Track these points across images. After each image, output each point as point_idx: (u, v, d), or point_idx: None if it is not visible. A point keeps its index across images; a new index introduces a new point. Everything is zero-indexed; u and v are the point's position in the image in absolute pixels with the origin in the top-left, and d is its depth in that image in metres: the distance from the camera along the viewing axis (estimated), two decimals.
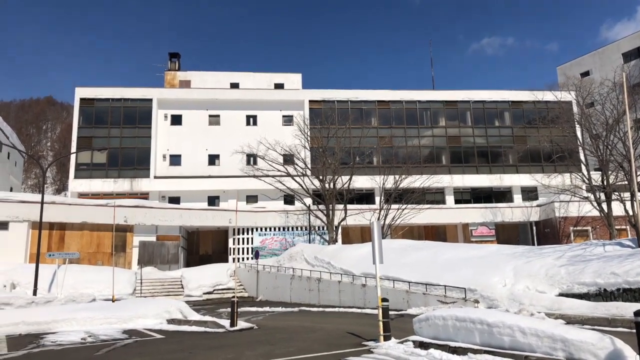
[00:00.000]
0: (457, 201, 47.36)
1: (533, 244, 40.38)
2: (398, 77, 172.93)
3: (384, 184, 39.59)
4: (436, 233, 45.49)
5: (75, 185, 42.62)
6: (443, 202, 46.91)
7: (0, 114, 46.50)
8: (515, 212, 43.54)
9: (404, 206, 39.23)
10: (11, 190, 44.31)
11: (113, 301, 23.09)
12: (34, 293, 24.64)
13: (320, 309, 22.74)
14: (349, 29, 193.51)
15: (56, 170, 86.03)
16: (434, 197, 46.44)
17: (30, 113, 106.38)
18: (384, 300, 11.52)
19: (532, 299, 16.77)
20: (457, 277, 19.86)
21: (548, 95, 42.42)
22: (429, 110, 49.52)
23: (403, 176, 39.79)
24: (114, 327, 16.49)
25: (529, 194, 47.52)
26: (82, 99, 44.70)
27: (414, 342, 10.35)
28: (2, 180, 42.74)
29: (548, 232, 41.33)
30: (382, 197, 39.89)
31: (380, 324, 11.25)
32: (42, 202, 27.53)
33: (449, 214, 44.24)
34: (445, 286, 19.44)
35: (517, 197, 47.49)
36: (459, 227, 45.00)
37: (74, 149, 42.98)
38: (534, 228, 43.20)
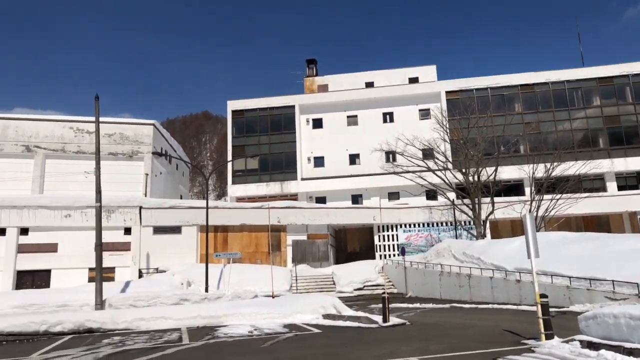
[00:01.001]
0: (620, 187, 42.71)
1: None
2: (540, 57, 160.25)
3: (533, 173, 37.23)
4: (597, 224, 41.46)
5: (233, 190, 46.79)
6: (604, 189, 42.63)
7: (168, 130, 52.58)
8: None
9: (558, 196, 36.48)
10: (181, 197, 50.06)
11: (273, 297, 24.76)
12: (206, 290, 27.53)
13: (473, 306, 22.18)
14: (482, 13, 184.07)
15: (216, 177, 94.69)
16: (593, 184, 42.46)
17: (191, 128, 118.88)
18: (543, 296, 10.99)
19: None
20: (627, 271, 18.02)
21: None
22: (580, 89, 45.31)
23: (555, 163, 37.03)
24: (276, 322, 17.48)
25: None
26: (233, 111, 48.90)
27: (580, 341, 9.73)
28: (173, 189, 48.48)
29: None
30: (533, 188, 37.52)
31: (541, 321, 10.77)
32: (207, 208, 30.73)
33: (612, 202, 40.06)
34: (613, 281, 17.80)
35: None
36: (624, 216, 40.51)
37: (229, 157, 47.23)
38: None
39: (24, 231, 33.76)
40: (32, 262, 33.20)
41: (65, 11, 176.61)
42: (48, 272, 33.26)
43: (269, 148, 47.53)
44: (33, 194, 37.46)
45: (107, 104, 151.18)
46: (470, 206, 37.02)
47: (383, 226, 40.44)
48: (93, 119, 25.96)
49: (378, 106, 48.10)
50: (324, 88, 53.05)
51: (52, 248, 33.66)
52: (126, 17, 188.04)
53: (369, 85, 51.77)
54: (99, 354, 12.03)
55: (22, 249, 33.31)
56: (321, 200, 45.56)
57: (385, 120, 48.04)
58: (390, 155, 44.20)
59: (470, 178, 37.06)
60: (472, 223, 37.82)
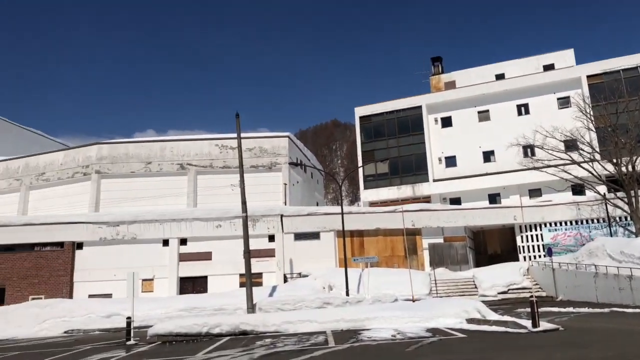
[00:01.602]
0: None
1: None
2: None
3: None
4: None
5: (366, 195, 47.60)
6: None
7: (301, 140, 55.29)
8: None
9: None
10: (317, 204, 52.13)
11: (413, 301, 24.83)
12: (347, 294, 28.40)
13: (637, 311, 20.15)
14: None
15: (348, 183, 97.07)
16: None
17: (322, 136, 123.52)
18: None
19: None
20: None
21: None
22: None
23: None
24: (418, 326, 17.26)
25: None
26: (361, 117, 49.85)
27: None
28: (309, 197, 50.70)
29: None
30: None
31: None
32: (342, 213, 31.73)
33: None
34: None
35: None
36: None
37: (359, 163, 48.21)
38: None
39: (183, 241, 37.67)
40: (191, 269, 36.91)
41: (210, 39, 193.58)
42: (205, 278, 36.74)
43: (398, 151, 47.57)
44: (188, 207, 41.62)
45: (245, 119, 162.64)
46: (626, 200, 33.57)
47: (525, 226, 38.23)
48: (235, 135, 28.31)
49: (511, 98, 45.78)
50: (451, 85, 51.80)
51: (207, 256, 37.13)
52: (251, 35, 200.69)
53: (500, 77, 49.51)
54: (254, 354, 12.78)
55: (182, 257, 37.21)
56: (456, 201, 44.39)
57: (519, 113, 45.54)
58: (529, 150, 41.78)
59: (623, 168, 33.69)
60: (629, 219, 34.25)
